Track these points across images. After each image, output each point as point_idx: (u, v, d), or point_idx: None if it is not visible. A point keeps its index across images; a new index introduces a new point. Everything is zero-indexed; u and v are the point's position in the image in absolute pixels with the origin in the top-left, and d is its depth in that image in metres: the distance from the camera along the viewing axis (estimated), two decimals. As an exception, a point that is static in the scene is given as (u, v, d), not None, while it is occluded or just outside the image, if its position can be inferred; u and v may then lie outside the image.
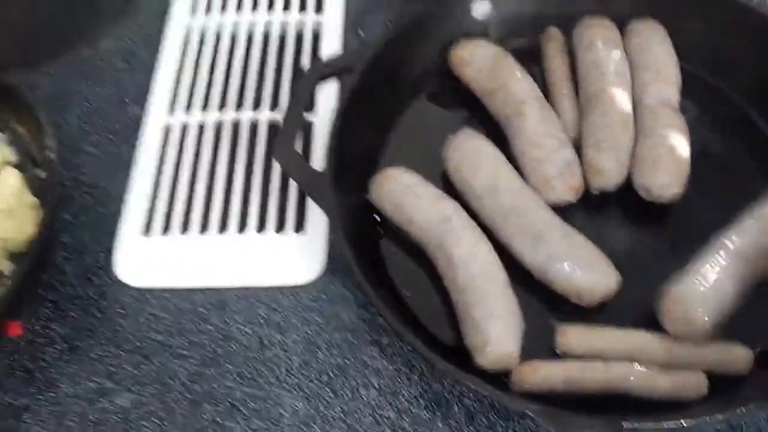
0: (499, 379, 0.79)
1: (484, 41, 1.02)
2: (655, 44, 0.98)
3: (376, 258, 0.91)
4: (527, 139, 0.92)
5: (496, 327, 0.78)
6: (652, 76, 0.95)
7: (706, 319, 0.77)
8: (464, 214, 0.87)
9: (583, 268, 0.82)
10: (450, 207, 0.87)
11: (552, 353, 0.82)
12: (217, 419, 0.82)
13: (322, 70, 0.95)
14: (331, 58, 0.99)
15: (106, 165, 1.02)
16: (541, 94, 0.96)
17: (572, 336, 0.80)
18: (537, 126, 0.92)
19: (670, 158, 0.89)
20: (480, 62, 0.99)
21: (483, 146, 0.92)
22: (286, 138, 0.90)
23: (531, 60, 1.03)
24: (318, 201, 0.87)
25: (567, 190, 0.89)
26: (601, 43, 0.98)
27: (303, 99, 0.93)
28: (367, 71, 0.95)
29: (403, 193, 0.89)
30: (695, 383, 0.77)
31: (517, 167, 0.92)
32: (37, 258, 0.88)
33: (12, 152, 1.01)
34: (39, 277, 0.92)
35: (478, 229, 0.86)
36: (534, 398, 0.77)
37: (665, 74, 0.96)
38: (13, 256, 0.93)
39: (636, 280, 0.84)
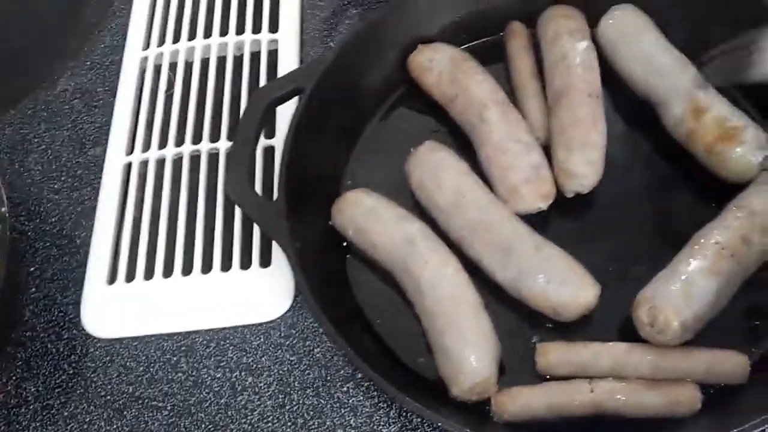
0: (479, 408, 0.75)
1: (443, 45, 0.96)
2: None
3: (343, 286, 0.87)
4: (491, 145, 0.86)
5: (468, 354, 0.74)
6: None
7: (677, 320, 0.71)
8: (430, 233, 0.83)
9: (557, 281, 0.76)
10: (414, 228, 0.83)
11: (535, 375, 0.78)
12: (193, 472, 0.80)
13: (272, 95, 0.91)
14: (279, 80, 0.95)
15: (68, 211, 1.00)
16: (504, 97, 0.91)
17: (552, 355, 0.75)
18: (501, 131, 0.86)
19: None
20: (439, 67, 0.93)
21: (446, 159, 0.87)
22: (238, 168, 0.86)
23: (497, 59, 0.98)
24: (271, 233, 0.83)
25: (537, 197, 0.84)
26: (566, 35, 0.92)
27: (251, 128, 0.89)
28: (318, 89, 0.90)
29: (365, 217, 0.85)
30: (687, 397, 0.72)
31: (485, 177, 0.87)
32: (2, 317, 0.86)
33: (-28, 208, 1.00)
34: (7, 335, 0.90)
35: (446, 249, 0.82)
36: (517, 428, 0.74)
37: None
38: (-20, 317, 0.92)
39: (621, 288, 0.79)
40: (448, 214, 0.83)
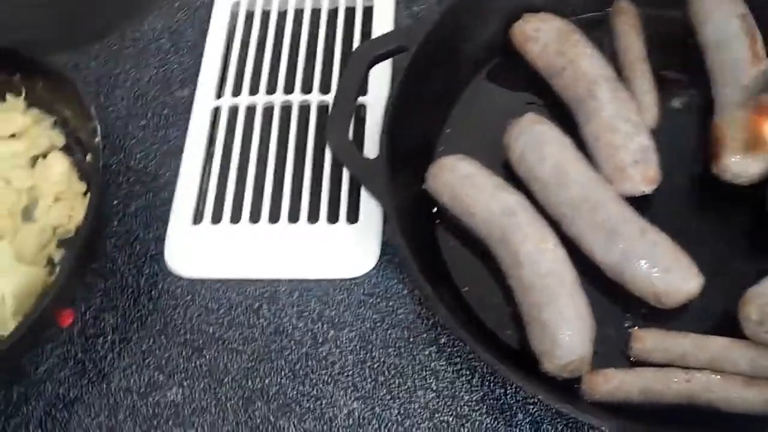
0: (568, 385, 0.74)
1: (550, 14, 0.94)
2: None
3: (432, 250, 0.87)
4: (600, 122, 0.84)
5: (566, 331, 0.73)
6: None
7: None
8: (530, 206, 0.82)
9: (662, 267, 0.75)
10: (514, 199, 0.82)
11: (624, 359, 0.77)
12: (270, 417, 0.80)
13: (374, 52, 0.90)
14: (383, 37, 0.93)
15: (154, 149, 0.99)
16: (613, 74, 0.88)
17: (649, 342, 0.74)
18: (610, 108, 0.84)
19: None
20: (546, 38, 0.91)
21: (549, 131, 0.85)
22: (337, 125, 0.85)
23: (600, 35, 0.95)
24: (372, 191, 0.82)
25: (643, 180, 0.82)
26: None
27: (354, 83, 0.88)
28: (423, 50, 0.88)
29: (461, 183, 0.84)
30: (785, 396, 0.71)
31: (588, 155, 0.85)
32: (87, 246, 0.86)
33: (59, 136, 0.99)
34: (89, 265, 0.90)
35: (545, 224, 0.80)
36: (606, 408, 0.73)
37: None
38: (64, 243, 0.92)
39: (720, 282, 0.78)
40: (550, 188, 0.82)
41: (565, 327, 0.73)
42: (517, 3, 0.96)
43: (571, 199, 0.81)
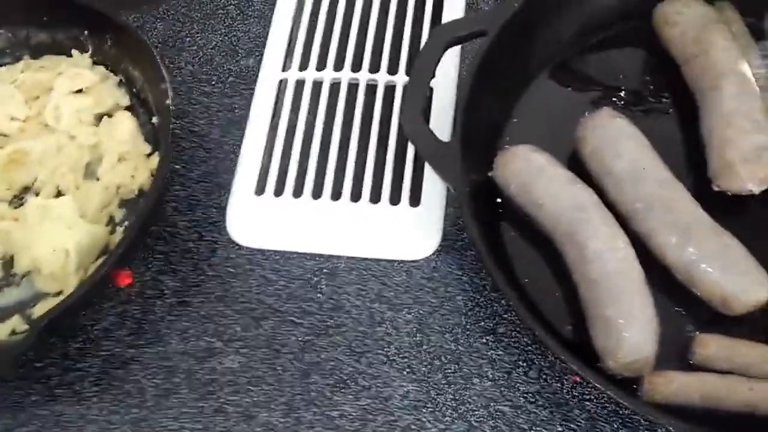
0: (627, 384, 0.75)
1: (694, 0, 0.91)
2: None
3: (496, 238, 0.87)
4: (719, 116, 0.83)
5: (631, 330, 0.73)
6: None
7: None
8: (600, 202, 0.81)
9: (734, 272, 0.75)
10: (585, 194, 0.81)
11: (680, 362, 0.77)
12: (326, 392, 0.81)
13: (454, 34, 0.89)
14: (463, 20, 0.92)
15: (218, 116, 0.99)
16: (746, 69, 0.85)
17: (714, 348, 0.74)
18: (732, 103, 0.82)
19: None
20: (687, 23, 0.89)
21: (627, 127, 0.84)
22: (412, 105, 0.85)
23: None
24: (444, 175, 0.82)
25: (751, 179, 0.80)
26: None
27: (431, 63, 0.87)
28: (502, 35, 0.87)
29: (532, 174, 0.84)
30: None
31: (701, 149, 0.84)
32: (153, 208, 0.86)
33: (124, 95, 0.99)
34: (151, 227, 0.91)
35: (615, 222, 0.80)
36: (662, 409, 0.73)
37: None
38: (125, 203, 0.93)
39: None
40: (624, 184, 0.81)
41: (630, 326, 0.73)
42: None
43: (646, 196, 0.80)
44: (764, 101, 0.84)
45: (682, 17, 0.89)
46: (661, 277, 0.80)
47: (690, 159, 0.88)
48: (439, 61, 0.89)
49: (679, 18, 0.89)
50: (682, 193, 0.80)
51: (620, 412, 0.77)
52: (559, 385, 0.79)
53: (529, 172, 0.84)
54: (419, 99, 0.85)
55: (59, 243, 0.84)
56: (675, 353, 0.77)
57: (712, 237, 0.76)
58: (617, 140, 0.83)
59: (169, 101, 0.88)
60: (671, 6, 0.91)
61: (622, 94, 0.93)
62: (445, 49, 0.89)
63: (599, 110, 0.86)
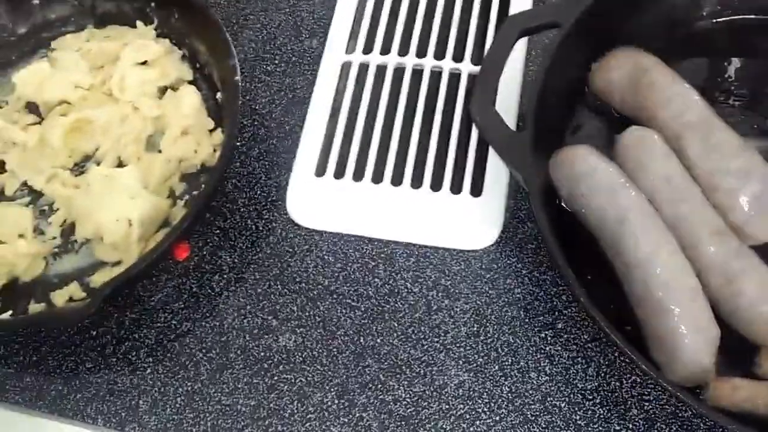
0: (692, 388, 0.73)
1: None
2: None
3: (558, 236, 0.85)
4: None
5: (688, 341, 0.71)
6: None
7: None
8: (648, 209, 0.78)
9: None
10: (628, 201, 0.77)
11: (741, 369, 0.75)
12: (380, 376, 0.81)
13: (527, 24, 0.88)
14: (537, 10, 0.91)
15: (279, 96, 0.99)
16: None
17: (781, 358, 0.73)
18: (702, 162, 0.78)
19: None
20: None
21: (661, 146, 0.81)
22: (485, 93, 0.84)
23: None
24: (514, 165, 0.81)
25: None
26: None
27: (504, 52, 0.86)
28: (578, 26, 0.85)
29: (581, 176, 0.80)
30: None
31: None
32: (217, 184, 0.86)
33: (188, 70, 1.00)
34: (211, 203, 0.91)
35: (661, 228, 0.76)
36: (725, 414, 0.72)
37: None
38: (186, 177, 0.93)
39: None
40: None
41: (686, 338, 0.71)
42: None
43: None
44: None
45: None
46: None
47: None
48: (511, 50, 0.88)
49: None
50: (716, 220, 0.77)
51: (680, 414, 0.76)
52: (618, 383, 0.78)
53: (577, 176, 0.80)
54: (491, 88, 0.84)
55: (122, 213, 0.85)
56: (737, 360, 0.76)
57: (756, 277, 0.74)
58: (650, 161, 0.79)
59: (237, 77, 0.88)
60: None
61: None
62: (518, 38, 0.87)
63: (629, 129, 0.83)
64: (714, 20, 0.96)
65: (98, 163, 0.94)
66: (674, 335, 0.72)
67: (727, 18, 0.95)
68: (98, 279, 0.86)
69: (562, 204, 0.85)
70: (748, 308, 0.74)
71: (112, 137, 0.94)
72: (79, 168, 0.95)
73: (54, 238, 0.90)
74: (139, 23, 1.01)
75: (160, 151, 0.93)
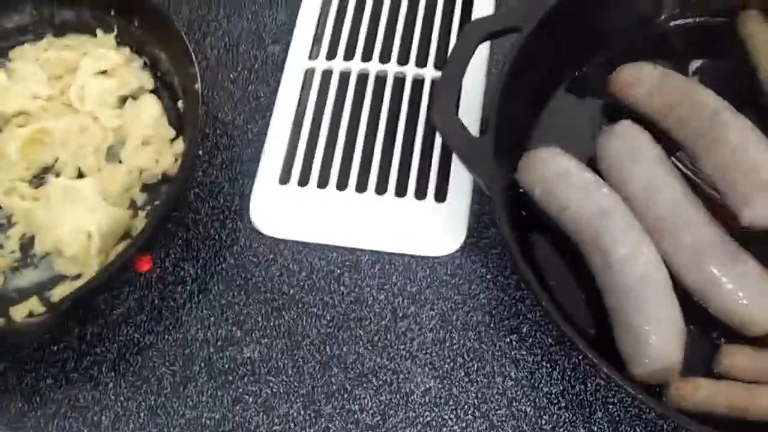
0: (652, 389, 0.74)
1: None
2: None
3: (521, 239, 0.85)
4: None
5: (657, 337, 0.72)
6: None
7: None
8: (626, 208, 0.80)
9: (750, 295, 0.73)
10: (610, 199, 0.80)
11: (703, 369, 0.76)
12: (346, 385, 0.80)
13: (487, 29, 0.88)
14: (497, 15, 0.91)
15: (243, 103, 0.98)
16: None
17: (740, 359, 0.74)
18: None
19: None
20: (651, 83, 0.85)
21: (646, 141, 0.82)
22: (446, 99, 0.83)
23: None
24: (477, 171, 0.81)
25: None
26: None
27: (464, 58, 0.86)
28: (537, 31, 0.86)
29: (557, 177, 0.82)
30: None
31: None
32: (178, 194, 0.85)
33: (149, 78, 0.98)
34: (173, 213, 0.90)
35: (640, 227, 0.79)
36: (687, 415, 0.73)
37: None
38: (148, 188, 0.92)
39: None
40: (639, 203, 0.80)
41: (656, 333, 0.72)
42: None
43: (660, 215, 0.78)
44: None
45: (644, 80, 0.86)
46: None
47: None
48: (472, 55, 0.88)
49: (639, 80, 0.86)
50: (698, 212, 0.78)
51: (643, 416, 0.76)
52: (582, 386, 0.78)
53: (554, 176, 0.82)
54: (452, 93, 0.84)
55: (82, 225, 0.83)
56: (700, 361, 0.77)
57: (728, 259, 0.75)
58: (634, 155, 0.81)
59: (198, 85, 0.87)
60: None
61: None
62: (479, 43, 0.88)
63: (619, 123, 0.85)
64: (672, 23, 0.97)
65: (57, 175, 0.92)
66: (647, 329, 0.72)
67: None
68: (58, 293, 0.85)
69: (523, 212, 0.86)
70: (727, 296, 0.74)
71: (71, 148, 0.92)
72: (37, 180, 0.93)
73: (13, 252, 0.88)
74: (99, 32, 1.00)
75: (120, 162, 0.92)
